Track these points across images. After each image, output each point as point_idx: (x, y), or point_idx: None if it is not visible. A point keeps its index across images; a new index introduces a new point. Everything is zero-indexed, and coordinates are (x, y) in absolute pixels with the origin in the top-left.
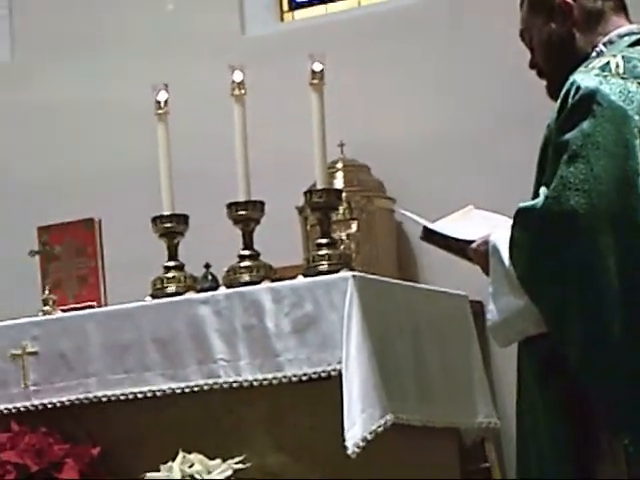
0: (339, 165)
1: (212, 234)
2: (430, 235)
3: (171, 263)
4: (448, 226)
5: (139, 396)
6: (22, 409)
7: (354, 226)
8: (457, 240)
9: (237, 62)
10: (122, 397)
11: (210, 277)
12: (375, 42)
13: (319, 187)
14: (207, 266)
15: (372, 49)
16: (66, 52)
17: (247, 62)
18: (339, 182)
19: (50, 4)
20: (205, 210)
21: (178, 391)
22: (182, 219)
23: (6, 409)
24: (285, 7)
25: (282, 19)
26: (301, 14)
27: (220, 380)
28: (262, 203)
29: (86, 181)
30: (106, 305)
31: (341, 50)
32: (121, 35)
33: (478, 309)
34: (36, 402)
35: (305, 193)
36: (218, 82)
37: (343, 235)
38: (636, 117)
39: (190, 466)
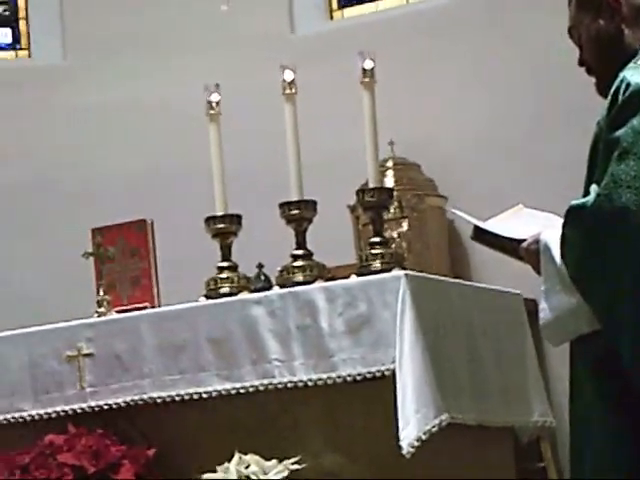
0: (389, 164)
1: (264, 234)
2: (481, 234)
3: (224, 264)
4: (498, 225)
5: (194, 397)
6: (78, 411)
7: (405, 225)
8: (508, 239)
9: (287, 61)
10: (177, 398)
11: (263, 277)
12: (425, 39)
13: (371, 186)
14: (260, 266)
15: (422, 46)
16: (118, 53)
17: (297, 61)
18: (390, 181)
19: (101, 6)
20: (257, 210)
21: (233, 391)
22: (235, 219)
23: (63, 411)
24: (334, 5)
25: (331, 17)
26: (350, 12)
27: (275, 380)
28: (314, 202)
29: (139, 182)
30: (160, 306)
31: (391, 47)
32: (172, 36)
33: (532, 307)
34: (92, 403)
35: (357, 192)
36: (269, 81)
37: (394, 234)
38: None
39: (246, 467)
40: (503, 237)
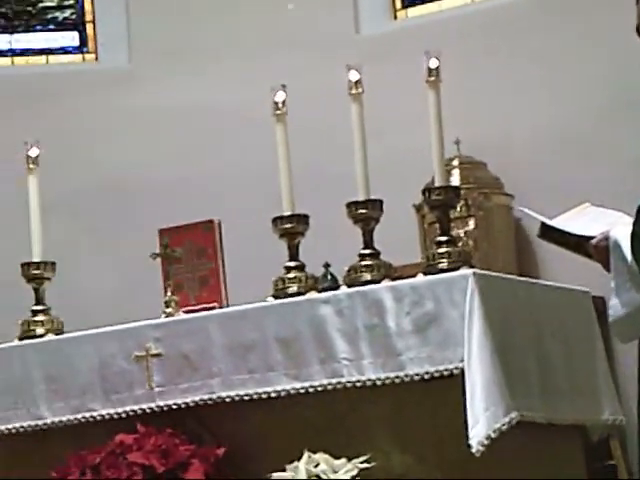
0: (455, 162)
1: (330, 234)
2: (548, 232)
3: (292, 263)
4: (566, 223)
5: (263, 396)
6: (147, 410)
7: (471, 223)
8: (576, 236)
9: (352, 61)
10: (246, 397)
11: (330, 277)
12: (489, 37)
13: (437, 185)
14: (327, 266)
15: (486, 45)
16: (183, 56)
17: (361, 61)
18: (455, 179)
19: (167, 10)
20: (323, 210)
21: (301, 391)
22: (302, 219)
23: (132, 410)
24: (398, 5)
25: (395, 17)
26: (414, 11)
27: (343, 379)
28: (381, 202)
29: (206, 183)
30: (227, 306)
31: (455, 46)
32: (237, 39)
33: (600, 305)
34: (161, 403)
35: (423, 191)
36: (334, 82)
37: (461, 232)
38: None
39: (316, 466)
40: (571, 234)
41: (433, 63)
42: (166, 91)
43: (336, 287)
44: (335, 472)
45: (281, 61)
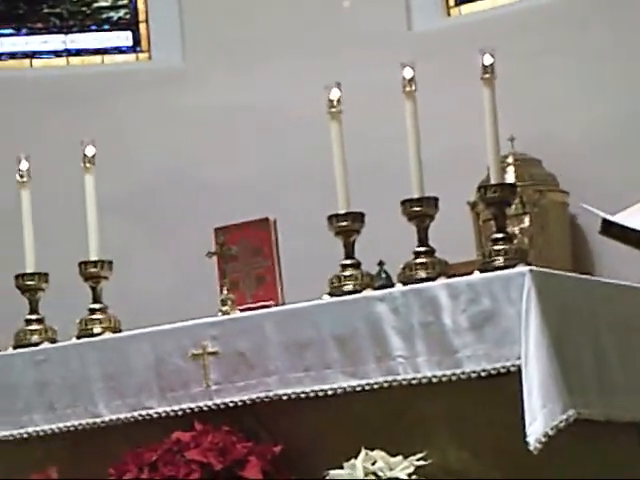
0: (510, 159)
1: (385, 231)
2: (609, 228)
3: (348, 261)
4: (628, 219)
5: (319, 394)
6: (204, 408)
7: (527, 220)
8: (638, 232)
9: (404, 58)
10: (302, 395)
11: (384, 274)
12: (542, 34)
13: (493, 182)
14: (381, 263)
15: (540, 41)
16: (236, 55)
17: (414, 58)
18: (510, 176)
19: (220, 8)
20: (377, 207)
21: (358, 388)
22: (358, 217)
23: (189, 408)
24: (452, 2)
25: (449, 14)
26: (467, 8)
27: (399, 377)
28: (436, 199)
29: (260, 181)
30: (284, 304)
31: (508, 43)
32: (289, 37)
33: None
34: (217, 401)
35: (479, 188)
36: (387, 79)
37: (516, 230)
38: None
39: (373, 463)
40: (633, 230)
41: (488, 60)
42: (219, 89)
43: (390, 285)
44: (392, 469)
45: (334, 58)
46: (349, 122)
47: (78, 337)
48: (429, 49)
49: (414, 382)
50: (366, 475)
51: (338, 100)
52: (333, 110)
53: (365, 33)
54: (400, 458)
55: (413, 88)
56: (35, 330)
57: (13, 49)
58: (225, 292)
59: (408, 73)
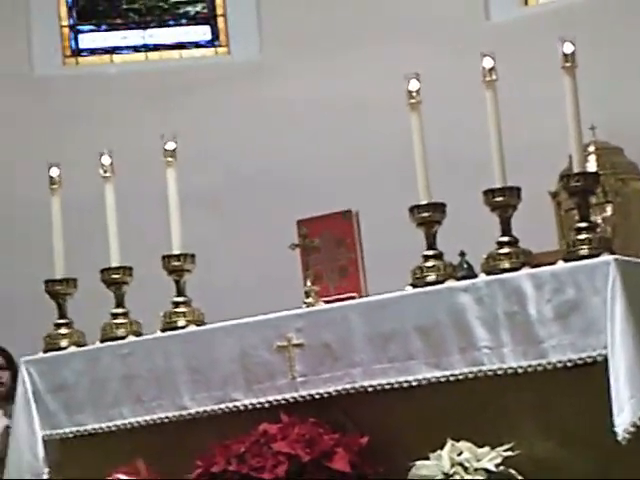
0: (591, 148)
1: (467, 221)
2: None
3: (430, 252)
4: None
5: (404, 385)
6: (290, 400)
7: (609, 209)
8: None
9: (483, 48)
10: (387, 386)
11: (465, 265)
12: (622, 22)
13: (576, 171)
14: (462, 254)
15: (619, 29)
16: (314, 48)
17: (492, 48)
18: (592, 165)
19: (297, 1)
20: (457, 198)
21: (442, 379)
22: (439, 207)
23: (275, 400)
24: None
25: (526, 3)
26: None
27: (484, 368)
28: (519, 189)
29: (343, 173)
30: (367, 295)
31: (586, 31)
32: (369, 26)
33: None
34: (303, 393)
35: (561, 177)
36: (465, 69)
37: (599, 219)
38: None
39: (459, 454)
40: None
41: (568, 48)
42: (297, 82)
43: (473, 275)
44: (479, 460)
45: (412, 48)
46: (429, 112)
47: (163, 330)
48: (507, 39)
49: (499, 373)
50: (452, 466)
51: (417, 91)
52: (412, 101)
53: (443, 23)
54: (487, 449)
55: (493, 77)
56: (121, 324)
57: (93, 45)
58: (309, 284)
59: (488, 62)
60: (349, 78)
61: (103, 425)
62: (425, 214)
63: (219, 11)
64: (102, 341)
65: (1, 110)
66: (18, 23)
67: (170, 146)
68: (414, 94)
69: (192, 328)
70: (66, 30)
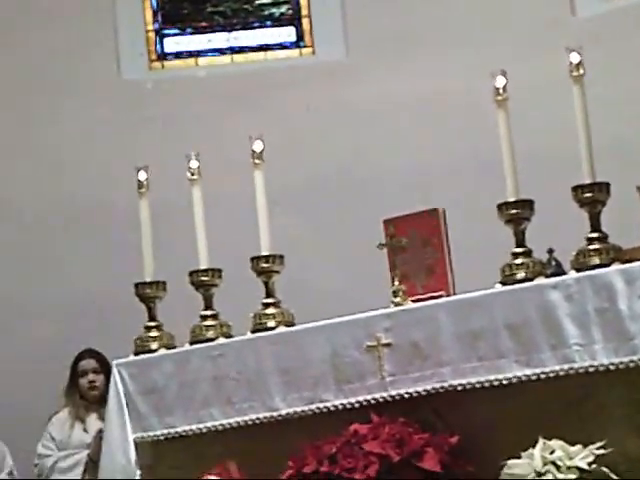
0: None
1: (555, 218)
2: None
3: (519, 249)
4: None
5: (494, 383)
6: (380, 400)
7: None
8: None
9: (569, 44)
10: (477, 385)
11: (554, 262)
12: None
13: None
14: (550, 251)
15: None
16: (399, 48)
17: (578, 43)
18: None
19: (382, 1)
20: (544, 194)
21: (533, 377)
22: (527, 204)
23: (365, 400)
24: None
25: None
26: None
27: (575, 365)
28: (608, 185)
29: (427, 171)
30: (454, 294)
31: None
32: (454, 24)
33: None
34: (393, 393)
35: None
36: (552, 65)
37: None
38: None
39: (551, 452)
40: None
41: None
42: (383, 81)
43: (562, 272)
44: (571, 459)
45: (498, 46)
46: (516, 109)
47: (253, 331)
48: (594, 35)
49: (590, 370)
50: (544, 464)
51: (504, 87)
52: (499, 98)
53: (528, 20)
54: (579, 447)
55: (581, 72)
56: (210, 326)
57: (178, 49)
58: (396, 283)
59: (575, 58)
60: (434, 77)
61: (193, 427)
62: (513, 211)
63: (304, 12)
64: (192, 343)
65: (89, 114)
66: (105, 28)
67: (257, 147)
68: (500, 91)
69: (282, 329)
70: (152, 34)
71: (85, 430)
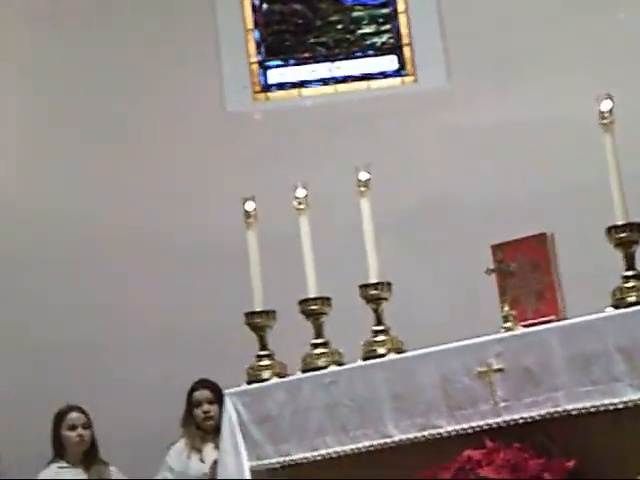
0: None
1: None
2: None
3: (629, 272)
4: None
5: (609, 407)
6: (493, 425)
7: None
8: None
9: None
10: (592, 409)
11: None
12: None
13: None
14: None
15: None
16: (502, 71)
17: None
18: None
19: (482, 25)
20: None
21: None
22: (636, 227)
23: (478, 426)
24: None
25: None
26: None
27: None
28: None
29: (537, 196)
30: (565, 318)
31: None
32: (558, 49)
33: None
34: (507, 418)
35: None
36: None
37: None
38: None
39: None
40: None
41: None
42: (487, 108)
43: None
44: None
45: (604, 70)
46: (622, 132)
47: (364, 359)
48: None
49: None
50: None
51: (610, 111)
52: (605, 121)
53: (635, 44)
54: None
55: None
56: (321, 354)
57: (281, 80)
58: (506, 308)
59: None
60: (538, 101)
61: (308, 455)
62: (623, 234)
63: (405, 40)
64: (303, 371)
65: (195, 145)
66: (209, 61)
67: (363, 176)
68: (606, 114)
69: (393, 356)
70: (255, 66)
71: (202, 460)
